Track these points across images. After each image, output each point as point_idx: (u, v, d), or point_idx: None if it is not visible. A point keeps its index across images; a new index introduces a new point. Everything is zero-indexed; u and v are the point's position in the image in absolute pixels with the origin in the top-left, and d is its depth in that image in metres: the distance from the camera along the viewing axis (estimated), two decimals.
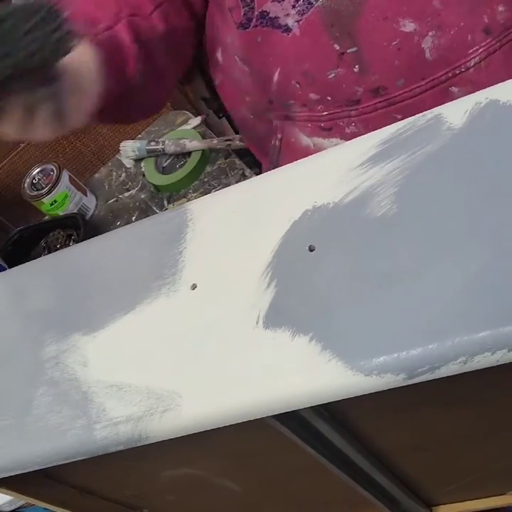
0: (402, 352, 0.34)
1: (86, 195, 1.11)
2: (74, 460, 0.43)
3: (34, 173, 1.09)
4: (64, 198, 1.07)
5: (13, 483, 0.52)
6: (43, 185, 1.07)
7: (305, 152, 0.64)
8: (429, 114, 0.43)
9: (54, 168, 1.08)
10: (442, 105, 0.43)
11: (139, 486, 0.62)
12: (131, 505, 0.67)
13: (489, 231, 0.35)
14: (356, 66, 0.56)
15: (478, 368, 0.33)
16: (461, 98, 0.43)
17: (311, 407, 0.41)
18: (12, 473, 0.45)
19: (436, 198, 0.39)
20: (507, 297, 0.32)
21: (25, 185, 1.08)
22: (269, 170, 0.69)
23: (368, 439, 0.52)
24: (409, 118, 0.44)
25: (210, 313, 0.42)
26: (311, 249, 0.41)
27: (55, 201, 1.06)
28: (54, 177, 1.06)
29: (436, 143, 0.41)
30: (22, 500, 0.57)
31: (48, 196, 1.05)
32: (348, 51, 0.55)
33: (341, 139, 0.61)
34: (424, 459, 0.60)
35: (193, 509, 0.70)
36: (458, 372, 0.33)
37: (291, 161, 0.63)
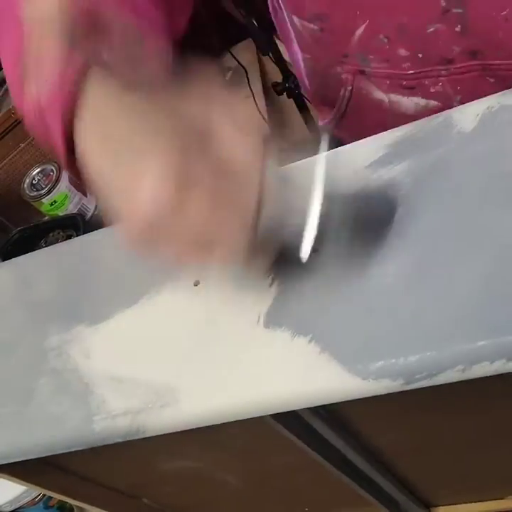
0: (401, 358, 0.34)
1: (86, 196, 1.11)
2: (73, 450, 0.44)
3: (34, 173, 1.09)
4: (64, 198, 1.07)
5: (14, 469, 0.53)
6: (43, 186, 1.06)
7: (377, 106, 0.61)
8: (440, 116, 0.43)
9: (54, 169, 1.07)
10: (453, 108, 0.43)
11: (139, 476, 0.63)
12: (131, 494, 0.68)
13: (493, 239, 0.35)
14: (458, 26, 0.52)
15: (476, 377, 0.33)
16: (473, 102, 0.42)
17: (309, 407, 0.41)
18: (12, 460, 0.46)
19: (442, 203, 0.38)
20: (507, 307, 0.32)
21: (25, 185, 1.08)
22: (330, 122, 0.67)
23: (367, 440, 0.52)
24: (419, 120, 0.43)
25: (211, 311, 0.42)
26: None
27: (55, 201, 1.06)
28: (54, 177, 1.06)
29: (445, 146, 0.41)
30: (23, 486, 0.57)
31: (48, 196, 1.05)
32: (454, 10, 0.51)
33: (423, 97, 0.58)
34: (424, 461, 0.60)
35: (191, 500, 0.70)
36: (456, 380, 0.33)
37: (361, 113, 0.59)
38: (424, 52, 0.55)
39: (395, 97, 0.59)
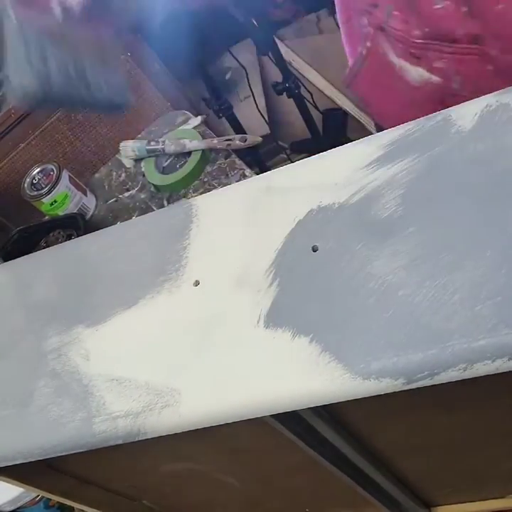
0: (402, 357, 0.33)
1: (86, 195, 1.10)
2: (73, 452, 0.43)
3: (34, 173, 1.08)
4: (64, 198, 1.06)
5: (15, 472, 0.52)
6: (43, 185, 1.06)
7: (390, 69, 0.64)
8: (439, 115, 0.43)
9: (54, 168, 1.07)
10: (452, 107, 0.43)
11: (139, 478, 0.63)
12: (131, 496, 0.67)
13: (494, 238, 0.35)
14: (465, 8, 0.55)
15: (477, 375, 0.33)
16: (472, 100, 0.42)
17: (310, 408, 0.41)
18: (12, 463, 0.46)
19: (442, 202, 0.38)
20: (508, 306, 0.32)
21: (25, 185, 1.08)
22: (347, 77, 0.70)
23: (367, 440, 0.52)
24: (418, 119, 0.43)
25: (211, 311, 0.42)
26: (315, 249, 0.41)
27: (55, 201, 1.06)
28: (54, 177, 1.05)
29: (444, 145, 0.41)
30: (23, 489, 0.57)
31: (48, 196, 1.05)
32: None
33: (427, 70, 0.61)
34: (424, 461, 0.60)
35: (191, 501, 0.70)
36: (457, 379, 0.33)
37: (373, 73, 0.63)
38: (430, 27, 0.57)
39: (404, 64, 0.62)
